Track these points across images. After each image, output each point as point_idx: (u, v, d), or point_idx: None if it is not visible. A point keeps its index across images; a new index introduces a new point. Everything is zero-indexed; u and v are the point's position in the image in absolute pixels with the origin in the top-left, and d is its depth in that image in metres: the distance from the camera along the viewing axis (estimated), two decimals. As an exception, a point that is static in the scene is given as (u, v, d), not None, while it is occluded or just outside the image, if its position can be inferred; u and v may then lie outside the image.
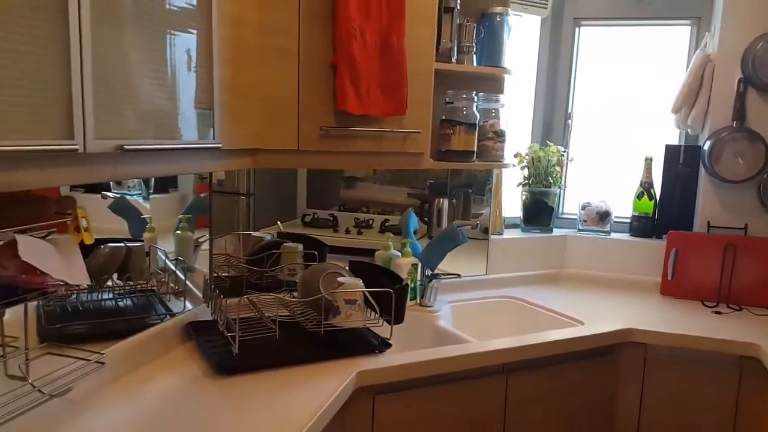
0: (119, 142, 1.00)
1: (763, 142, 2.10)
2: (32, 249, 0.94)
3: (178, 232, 1.62)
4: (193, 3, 1.19)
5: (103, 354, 1.19)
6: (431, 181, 2.22)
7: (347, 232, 2.19)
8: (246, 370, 1.36)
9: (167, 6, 1.11)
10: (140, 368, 1.37)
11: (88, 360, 1.17)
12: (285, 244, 1.84)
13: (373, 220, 2.21)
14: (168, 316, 1.52)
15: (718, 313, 2.02)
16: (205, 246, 1.75)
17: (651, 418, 1.80)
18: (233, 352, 1.39)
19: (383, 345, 1.53)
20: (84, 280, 1.04)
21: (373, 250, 2.06)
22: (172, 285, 1.59)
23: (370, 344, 1.53)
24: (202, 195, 1.76)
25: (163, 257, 1.55)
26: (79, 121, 0.91)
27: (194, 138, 1.23)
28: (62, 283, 1.01)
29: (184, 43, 1.18)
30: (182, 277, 1.62)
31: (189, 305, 1.62)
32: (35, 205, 1.07)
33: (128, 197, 1.43)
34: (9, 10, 0.78)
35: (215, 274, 1.75)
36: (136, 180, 1.45)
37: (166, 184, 1.58)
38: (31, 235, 0.99)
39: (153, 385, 1.28)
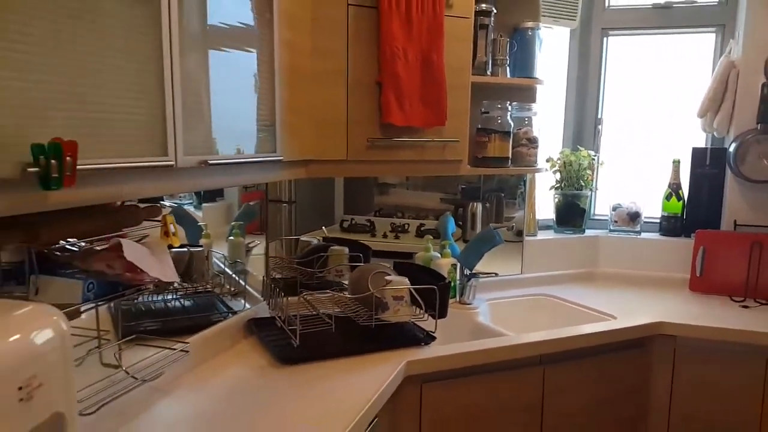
0: (203, 157, 1.16)
1: (789, 143, 2.17)
2: (134, 251, 1.10)
3: (231, 237, 1.75)
4: (256, 31, 1.35)
5: (188, 343, 1.35)
6: (463, 186, 2.34)
7: (384, 236, 2.32)
8: (306, 360, 1.51)
9: (237, 33, 1.28)
10: (212, 359, 1.53)
11: (174, 349, 1.33)
12: (332, 247, 1.99)
13: (408, 224, 2.33)
14: (230, 314, 1.68)
15: (746, 307, 2.09)
16: (256, 251, 1.89)
17: (681, 406, 1.89)
18: (294, 344, 1.54)
19: (428, 338, 1.66)
20: (174, 278, 1.20)
21: (411, 253, 2.18)
22: (228, 287, 1.75)
23: (417, 337, 1.66)
24: (251, 203, 1.91)
25: (221, 261, 1.70)
26: (171, 139, 1.07)
27: (260, 151, 1.39)
28: (156, 280, 1.17)
29: (250, 67, 1.33)
30: (238, 279, 1.77)
31: (247, 304, 1.78)
32: (127, 213, 1.24)
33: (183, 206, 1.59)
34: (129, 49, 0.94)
35: (272, 276, 1.91)
36: (203, 190, 1.61)
37: (214, 193, 1.72)
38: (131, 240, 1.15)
39: (226, 373, 1.44)
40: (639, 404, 1.92)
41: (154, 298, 1.50)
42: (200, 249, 1.59)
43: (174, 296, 1.56)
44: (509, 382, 1.68)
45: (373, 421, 1.34)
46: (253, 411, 1.24)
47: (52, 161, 0.78)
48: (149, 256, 1.16)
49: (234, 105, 1.28)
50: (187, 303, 1.56)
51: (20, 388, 0.51)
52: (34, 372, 0.53)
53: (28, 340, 0.52)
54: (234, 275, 1.77)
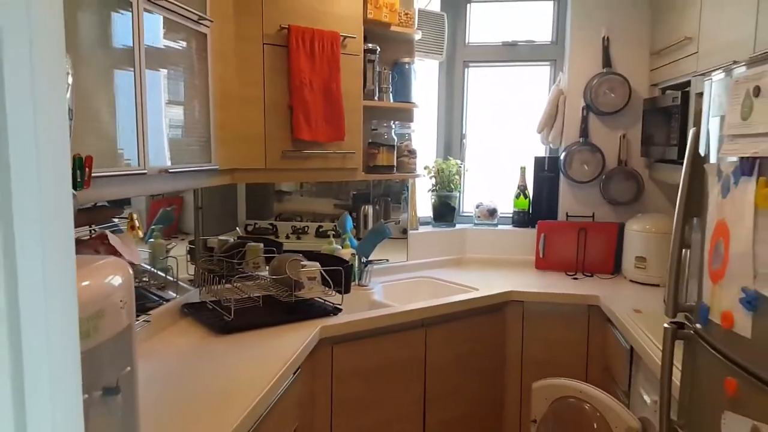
0: (163, 166, 1.50)
1: (601, 153, 2.86)
2: (114, 239, 1.42)
3: (152, 240, 1.95)
4: (194, 67, 1.70)
5: (150, 314, 1.66)
6: (354, 193, 2.78)
7: (287, 237, 2.67)
8: (240, 330, 1.86)
9: (187, 70, 1.63)
10: (160, 333, 1.83)
11: (138, 319, 1.63)
12: (249, 243, 2.34)
13: (308, 227, 2.71)
14: (163, 302, 1.98)
15: (576, 278, 2.74)
16: (174, 251, 2.13)
17: (530, 354, 2.47)
18: (227, 318, 1.89)
19: (336, 310, 2.08)
20: (140, 261, 1.51)
21: (312, 252, 2.56)
22: (154, 281, 2.00)
23: (327, 309, 2.07)
24: (168, 208, 2.16)
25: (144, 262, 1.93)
26: (141, 152, 1.40)
27: (199, 162, 1.74)
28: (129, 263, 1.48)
29: (193, 95, 1.68)
30: (165, 275, 2.03)
31: (176, 294, 2.07)
32: (100, 212, 1.54)
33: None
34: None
35: (204, 267, 2.22)
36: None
37: (121, 202, 1.83)
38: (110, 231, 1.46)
39: (173, 342, 1.76)
40: (499, 354, 2.47)
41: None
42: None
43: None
44: (399, 341, 2.14)
45: (297, 370, 1.73)
46: (202, 367, 1.59)
47: (77, 170, 1.11)
48: (122, 244, 1.48)
49: (185, 125, 1.62)
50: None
51: (121, 301, 0.86)
52: (122, 296, 0.88)
53: (123, 278, 0.88)
54: (158, 272, 2.05)
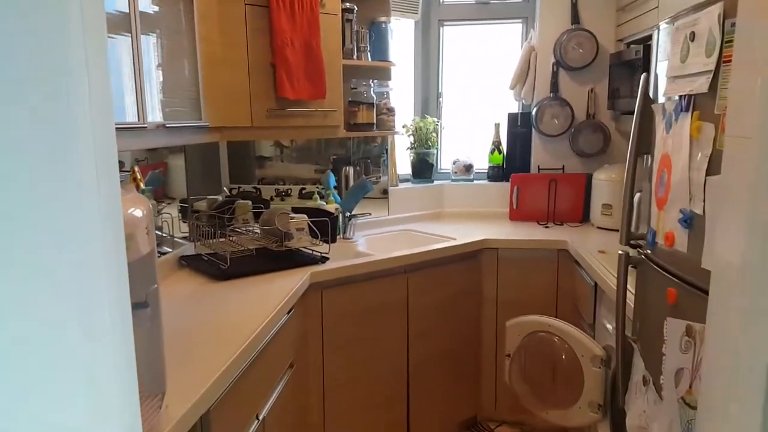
0: (161, 122, 1.60)
1: (570, 107, 3.01)
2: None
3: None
4: (183, 29, 1.79)
5: (151, 262, 1.78)
6: (334, 157, 2.88)
7: (271, 199, 2.79)
8: (237, 276, 1.99)
9: (177, 32, 1.72)
10: (161, 282, 1.94)
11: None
12: (238, 201, 2.46)
13: (291, 189, 2.82)
14: (160, 255, 2.10)
15: (547, 227, 2.92)
16: (163, 211, 2.25)
17: (504, 296, 2.65)
18: (223, 267, 2.02)
19: (324, 258, 2.22)
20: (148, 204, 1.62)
21: (298, 208, 2.68)
22: None
23: (315, 258, 2.21)
24: (156, 171, 2.27)
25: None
26: (140, 108, 1.50)
27: (190, 119, 1.84)
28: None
29: (183, 55, 1.78)
30: (161, 232, 2.15)
31: (170, 249, 2.20)
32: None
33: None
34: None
35: (200, 222, 2.33)
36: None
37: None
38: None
39: (176, 287, 1.89)
40: (475, 297, 2.65)
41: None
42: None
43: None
44: (383, 287, 2.30)
45: (290, 311, 1.87)
46: (203, 308, 1.72)
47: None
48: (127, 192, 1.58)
49: (178, 85, 1.72)
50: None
51: (146, 228, 0.99)
52: (146, 224, 1.00)
53: (145, 210, 1.00)
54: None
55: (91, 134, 0.59)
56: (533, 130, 3.10)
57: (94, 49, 0.59)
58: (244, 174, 2.74)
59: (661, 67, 1.37)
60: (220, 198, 2.57)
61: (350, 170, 2.93)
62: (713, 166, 1.10)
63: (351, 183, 2.92)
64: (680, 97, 1.21)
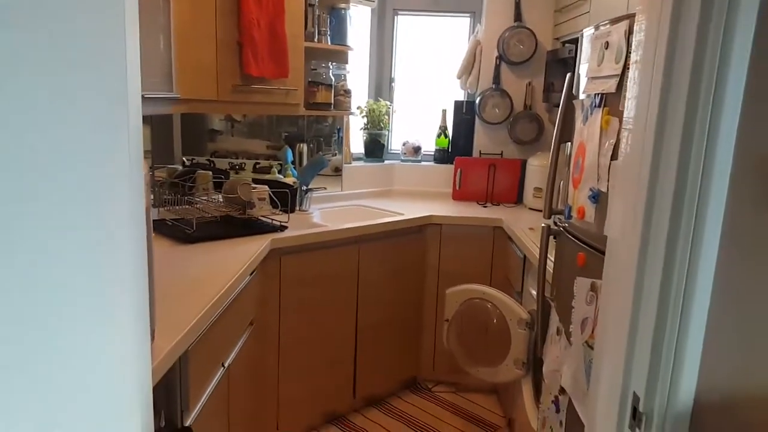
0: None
1: (510, 98, 3.28)
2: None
3: None
4: (160, 5, 1.91)
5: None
6: (285, 134, 3.03)
7: (226, 172, 2.90)
8: (202, 240, 2.15)
9: (156, 8, 1.84)
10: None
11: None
12: (198, 170, 2.60)
13: (245, 163, 2.95)
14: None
15: (485, 207, 3.20)
16: None
17: (446, 267, 2.92)
18: (189, 231, 2.17)
19: (283, 227, 2.40)
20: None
21: (258, 179, 2.84)
22: None
23: (275, 226, 2.39)
24: None
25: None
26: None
27: (162, 90, 1.97)
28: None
29: (158, 31, 1.90)
30: None
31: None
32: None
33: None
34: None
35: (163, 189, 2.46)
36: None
37: None
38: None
39: (144, 249, 2.02)
40: (420, 267, 2.90)
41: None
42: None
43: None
44: (336, 255, 2.50)
45: (252, 272, 2.05)
46: (176, 268, 1.88)
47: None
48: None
49: (155, 57, 1.85)
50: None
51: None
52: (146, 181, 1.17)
53: (144, 168, 1.17)
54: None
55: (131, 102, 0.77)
56: (476, 117, 3.35)
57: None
58: (196, 146, 2.83)
59: (583, 68, 1.63)
60: (179, 168, 2.69)
61: (304, 147, 3.10)
62: (617, 153, 1.36)
63: (305, 160, 3.09)
64: (595, 95, 1.47)
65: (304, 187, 2.84)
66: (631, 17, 1.31)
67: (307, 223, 2.73)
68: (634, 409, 0.93)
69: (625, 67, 1.34)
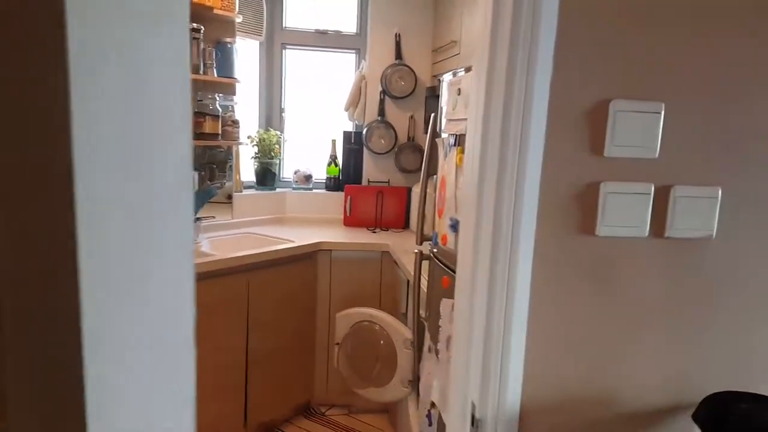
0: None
1: (394, 130, 3.48)
2: None
3: None
4: None
5: None
6: None
7: None
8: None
9: None
10: None
11: None
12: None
13: None
14: None
15: (374, 232, 3.35)
16: None
17: (337, 292, 3.02)
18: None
19: (168, 258, 2.39)
20: None
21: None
22: None
23: (160, 258, 2.38)
24: None
25: None
26: None
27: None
28: None
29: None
30: None
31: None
32: None
33: None
34: None
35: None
36: None
37: None
38: None
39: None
40: (311, 293, 2.99)
41: None
42: None
43: None
44: (225, 283, 2.53)
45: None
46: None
47: None
48: None
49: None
50: None
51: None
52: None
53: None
54: None
55: None
56: (364, 147, 3.52)
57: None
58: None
59: (444, 109, 1.82)
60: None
61: (195, 175, 3.11)
62: (469, 187, 1.54)
63: (196, 186, 3.09)
64: (450, 135, 1.66)
65: (193, 218, 2.84)
66: (475, 69, 1.51)
67: (195, 253, 2.73)
68: (473, 416, 1.08)
69: (474, 112, 1.53)
